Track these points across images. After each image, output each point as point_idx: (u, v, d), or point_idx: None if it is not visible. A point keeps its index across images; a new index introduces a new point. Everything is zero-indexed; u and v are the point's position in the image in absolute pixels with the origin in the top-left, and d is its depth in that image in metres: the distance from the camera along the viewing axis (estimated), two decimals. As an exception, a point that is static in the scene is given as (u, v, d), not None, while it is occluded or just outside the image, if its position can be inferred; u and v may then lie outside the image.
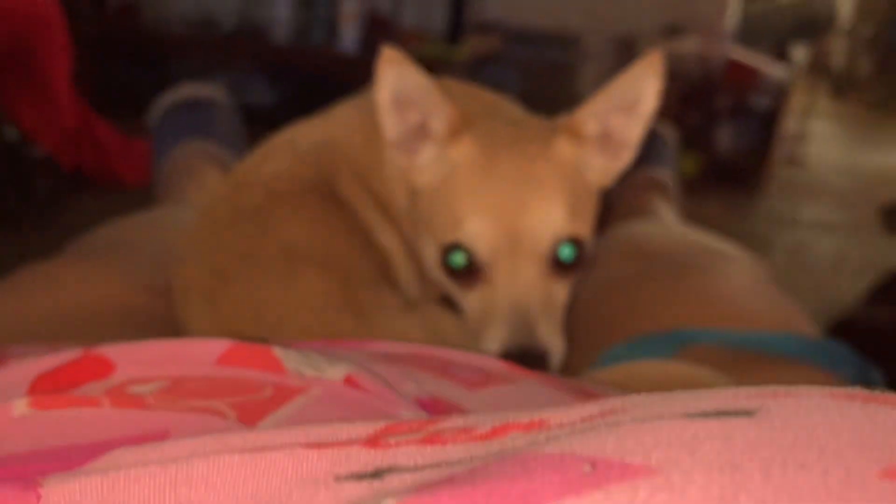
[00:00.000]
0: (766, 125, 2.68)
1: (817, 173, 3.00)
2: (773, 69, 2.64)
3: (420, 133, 0.54)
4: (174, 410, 0.28)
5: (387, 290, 0.55)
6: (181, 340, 0.34)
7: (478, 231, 0.50)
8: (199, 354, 0.33)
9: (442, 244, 0.52)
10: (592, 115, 0.54)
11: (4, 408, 0.28)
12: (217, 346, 0.33)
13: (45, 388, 0.30)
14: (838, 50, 4.60)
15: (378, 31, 2.98)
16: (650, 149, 1.22)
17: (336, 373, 0.31)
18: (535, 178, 0.51)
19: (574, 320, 0.69)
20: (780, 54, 2.88)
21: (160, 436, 0.26)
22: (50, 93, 2.16)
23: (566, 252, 0.51)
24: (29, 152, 2.03)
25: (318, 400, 0.30)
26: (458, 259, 0.51)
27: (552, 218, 0.50)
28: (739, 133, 2.67)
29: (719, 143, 2.71)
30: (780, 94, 2.59)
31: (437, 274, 0.55)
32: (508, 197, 0.50)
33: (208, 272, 0.54)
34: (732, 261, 0.76)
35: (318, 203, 0.56)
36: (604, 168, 0.56)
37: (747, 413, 0.16)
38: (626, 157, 0.57)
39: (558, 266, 0.52)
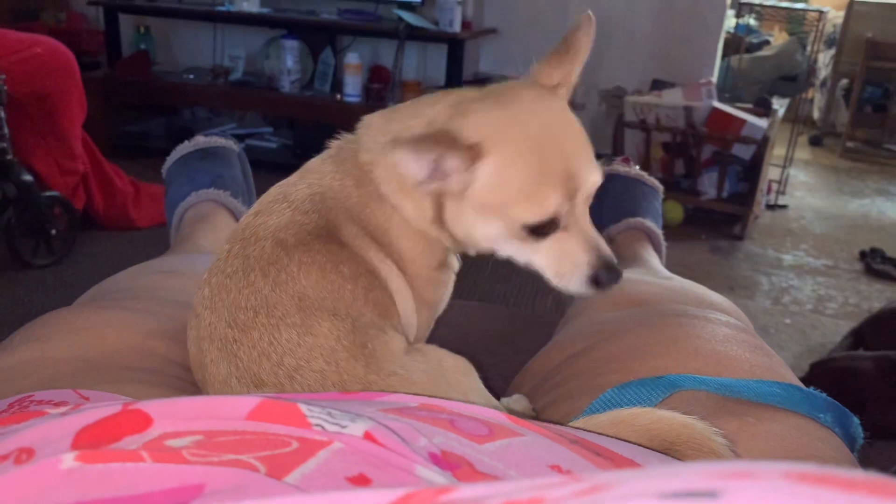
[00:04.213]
0: (748, 173, 2.78)
1: (798, 220, 3.09)
2: (754, 120, 2.73)
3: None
4: (209, 464, 0.29)
5: (391, 332, 0.59)
6: (214, 397, 0.36)
7: (557, 201, 0.58)
8: (230, 410, 0.34)
9: (525, 223, 0.58)
10: (553, 69, 0.63)
11: (53, 461, 0.28)
12: (247, 403, 0.34)
13: (88, 442, 0.31)
14: (816, 102, 4.77)
15: (380, 81, 3.09)
16: (638, 200, 1.27)
17: (356, 428, 0.33)
18: (566, 129, 0.59)
19: (566, 363, 0.72)
20: (762, 106, 2.98)
21: (197, 489, 0.28)
22: (64, 139, 2.22)
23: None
24: (43, 194, 2.07)
25: (340, 454, 0.31)
26: (542, 226, 0.59)
27: (594, 164, 0.60)
28: (723, 181, 2.76)
29: (703, 191, 2.81)
30: (762, 143, 2.68)
31: (503, 244, 0.61)
32: (559, 156, 0.58)
33: (225, 323, 0.56)
34: (717, 308, 0.78)
35: (324, 250, 0.59)
36: None
37: (711, 495, 0.18)
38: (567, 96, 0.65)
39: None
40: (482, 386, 0.62)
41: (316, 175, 0.66)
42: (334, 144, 0.68)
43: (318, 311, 0.56)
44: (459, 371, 0.60)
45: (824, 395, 0.60)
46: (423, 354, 0.59)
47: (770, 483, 0.18)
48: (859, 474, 0.19)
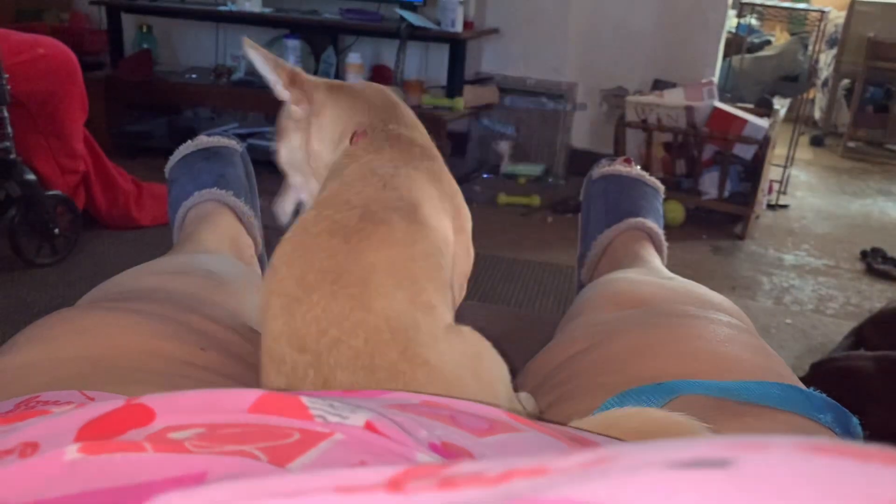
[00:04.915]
0: (749, 173, 2.78)
1: (799, 219, 3.09)
2: (756, 120, 2.73)
3: None
4: (212, 454, 0.29)
5: (442, 308, 0.60)
6: (215, 390, 0.36)
7: None
8: (232, 403, 0.34)
9: None
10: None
11: (57, 453, 0.29)
12: (249, 396, 0.34)
13: (92, 435, 0.31)
14: (818, 102, 4.77)
15: (382, 81, 3.09)
16: (639, 199, 1.28)
17: (357, 419, 0.33)
18: None
19: (566, 363, 0.73)
20: (763, 106, 2.98)
21: (199, 477, 0.28)
22: (65, 139, 2.23)
23: None
24: (46, 194, 2.08)
25: (341, 444, 0.31)
26: None
27: None
28: (724, 181, 2.76)
29: (705, 191, 2.81)
30: (763, 143, 2.68)
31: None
32: None
33: (294, 281, 0.57)
34: (718, 308, 0.79)
35: (405, 228, 0.61)
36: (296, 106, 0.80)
37: (722, 464, 0.17)
38: (288, 97, 0.80)
39: None
40: (513, 394, 0.62)
41: (397, 154, 0.70)
42: (377, 135, 0.72)
43: (381, 287, 0.56)
44: (494, 375, 0.60)
45: (824, 395, 0.60)
46: (463, 341, 0.59)
47: (783, 453, 0.18)
48: (874, 447, 0.19)
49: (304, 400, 0.34)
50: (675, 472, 0.17)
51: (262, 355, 0.58)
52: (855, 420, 0.61)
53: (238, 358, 0.68)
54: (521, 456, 0.36)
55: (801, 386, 0.61)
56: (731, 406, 0.57)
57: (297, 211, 0.81)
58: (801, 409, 0.58)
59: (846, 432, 0.60)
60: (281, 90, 0.76)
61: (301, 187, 0.80)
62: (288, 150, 0.78)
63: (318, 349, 0.55)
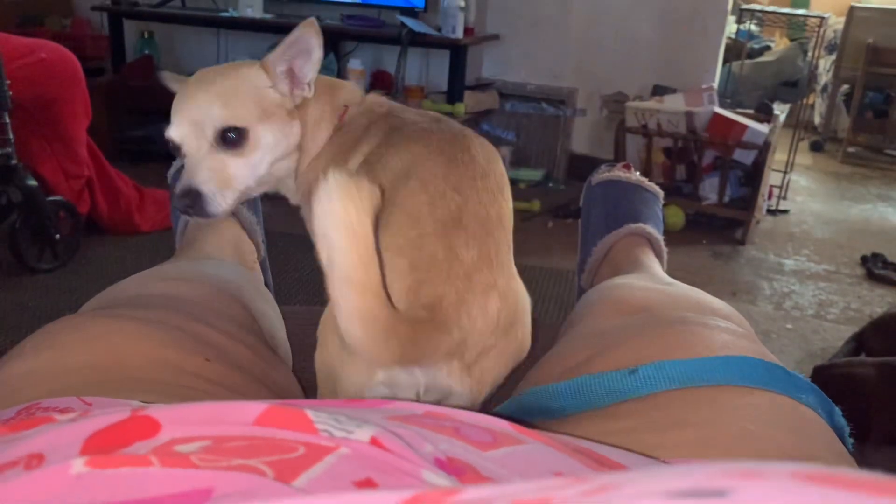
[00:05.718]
0: (749, 179, 2.78)
1: (799, 224, 3.10)
2: (755, 126, 2.73)
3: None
4: (218, 469, 0.29)
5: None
6: (221, 403, 0.36)
7: (173, 129, 0.79)
8: (238, 415, 0.34)
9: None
10: (278, 59, 0.82)
11: (63, 467, 0.29)
12: (254, 409, 0.34)
13: (98, 447, 0.31)
14: (818, 108, 4.78)
15: (383, 86, 3.10)
16: (639, 204, 1.28)
17: (363, 434, 0.33)
18: (208, 88, 0.78)
19: (565, 375, 0.71)
20: (763, 111, 2.98)
21: (206, 493, 0.28)
22: (69, 144, 2.24)
23: (230, 134, 0.77)
24: (47, 199, 2.08)
25: (347, 458, 0.31)
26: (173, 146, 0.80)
27: (212, 113, 0.76)
28: (724, 186, 2.77)
29: (705, 196, 2.81)
30: (763, 149, 2.69)
31: None
32: (192, 103, 0.78)
33: (445, 162, 0.69)
34: (718, 314, 0.79)
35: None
36: (289, 92, 0.83)
37: (720, 493, 0.18)
38: (307, 89, 0.84)
39: (226, 143, 0.77)
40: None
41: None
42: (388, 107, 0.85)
43: (508, 194, 0.74)
44: (527, 332, 0.76)
45: (807, 379, 0.61)
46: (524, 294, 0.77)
47: (778, 483, 0.18)
48: (867, 475, 0.19)
49: (310, 413, 0.34)
50: (674, 502, 0.18)
51: (411, 192, 0.69)
52: (838, 410, 0.62)
53: (242, 370, 0.67)
54: (526, 471, 0.36)
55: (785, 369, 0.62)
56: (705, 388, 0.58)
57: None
58: (781, 389, 0.58)
59: (831, 420, 0.60)
60: (286, 90, 0.84)
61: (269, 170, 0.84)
62: (275, 136, 0.82)
63: (453, 217, 0.67)
